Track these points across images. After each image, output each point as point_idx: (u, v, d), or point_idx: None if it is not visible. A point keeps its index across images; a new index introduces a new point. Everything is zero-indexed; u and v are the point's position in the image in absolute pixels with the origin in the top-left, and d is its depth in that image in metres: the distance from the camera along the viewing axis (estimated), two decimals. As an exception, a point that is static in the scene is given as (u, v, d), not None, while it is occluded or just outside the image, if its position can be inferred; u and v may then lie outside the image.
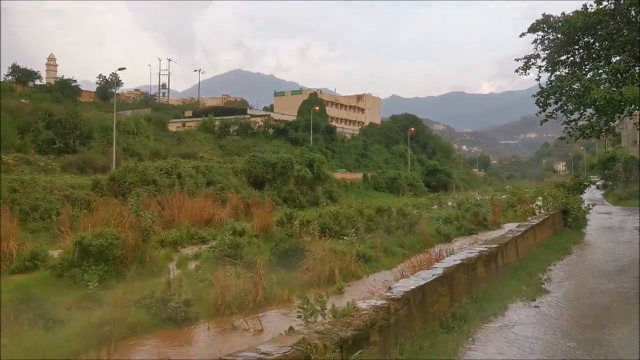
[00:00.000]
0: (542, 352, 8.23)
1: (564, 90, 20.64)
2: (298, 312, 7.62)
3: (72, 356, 8.43)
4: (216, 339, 10.29)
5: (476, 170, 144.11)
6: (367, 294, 14.43)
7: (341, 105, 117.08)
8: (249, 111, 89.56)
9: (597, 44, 21.67)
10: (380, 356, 6.65)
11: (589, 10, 21.40)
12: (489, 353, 8.09)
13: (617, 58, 20.91)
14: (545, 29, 22.69)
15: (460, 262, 9.42)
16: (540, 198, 32.18)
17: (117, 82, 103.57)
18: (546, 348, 8.40)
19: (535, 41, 23.02)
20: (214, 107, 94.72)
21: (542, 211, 19.73)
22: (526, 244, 13.02)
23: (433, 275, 8.53)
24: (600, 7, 20.89)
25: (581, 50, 22.48)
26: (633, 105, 17.93)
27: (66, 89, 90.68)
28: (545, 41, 22.81)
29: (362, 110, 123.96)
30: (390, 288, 8.07)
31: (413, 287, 7.79)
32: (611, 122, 20.60)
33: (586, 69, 22.03)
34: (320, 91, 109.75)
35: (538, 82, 23.61)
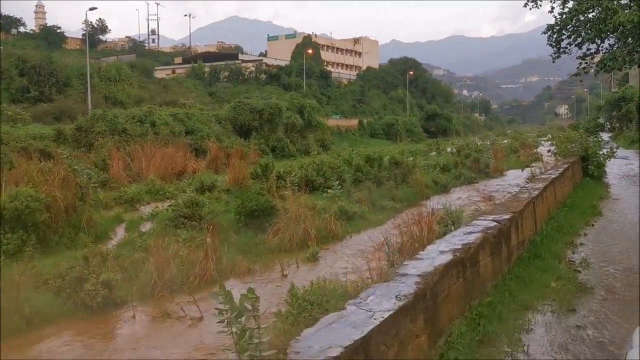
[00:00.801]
0: None
1: (581, 17, 17.78)
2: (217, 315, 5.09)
3: None
4: (138, 332, 7.99)
5: (477, 114, 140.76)
6: (345, 263, 12.24)
7: (337, 49, 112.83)
8: (240, 57, 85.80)
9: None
10: None
11: None
12: None
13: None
14: None
15: (452, 257, 5.51)
16: (549, 142, 29.46)
17: (104, 29, 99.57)
18: None
19: None
20: (205, 53, 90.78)
21: (554, 158, 16.66)
22: (545, 206, 9.53)
23: (395, 302, 4.25)
24: None
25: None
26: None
27: (50, 36, 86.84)
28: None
29: (360, 54, 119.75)
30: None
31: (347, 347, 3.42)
32: (637, 50, 17.86)
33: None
34: (315, 35, 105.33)
35: (552, 13, 20.67)
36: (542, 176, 11.71)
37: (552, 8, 20.57)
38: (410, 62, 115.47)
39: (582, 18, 18.10)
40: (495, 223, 7.29)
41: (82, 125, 27.22)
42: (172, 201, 16.77)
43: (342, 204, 16.70)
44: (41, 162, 21.58)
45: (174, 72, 79.48)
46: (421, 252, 5.80)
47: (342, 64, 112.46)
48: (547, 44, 20.06)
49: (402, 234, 11.72)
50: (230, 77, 72.96)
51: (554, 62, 21.03)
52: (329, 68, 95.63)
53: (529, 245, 8.65)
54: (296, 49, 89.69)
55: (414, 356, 4.29)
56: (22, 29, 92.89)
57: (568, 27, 19.71)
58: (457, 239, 6.45)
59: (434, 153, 40.05)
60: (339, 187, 19.26)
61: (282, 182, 18.61)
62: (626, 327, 5.90)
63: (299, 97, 48.97)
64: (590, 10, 17.80)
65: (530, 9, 20.14)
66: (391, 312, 4.01)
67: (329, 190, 19.24)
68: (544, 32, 20.04)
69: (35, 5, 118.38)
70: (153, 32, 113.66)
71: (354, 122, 64.50)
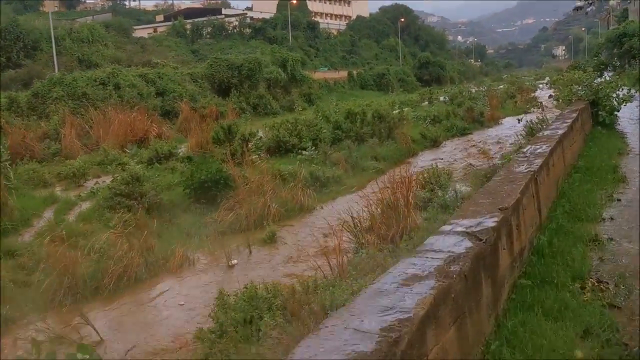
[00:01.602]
0: None
1: None
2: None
3: None
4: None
5: (472, 60, 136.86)
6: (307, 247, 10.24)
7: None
8: (223, 11, 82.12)
9: None
10: None
11: None
12: None
13: None
14: None
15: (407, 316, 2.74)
16: (547, 85, 26.98)
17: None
18: None
19: None
20: (187, 9, 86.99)
21: (556, 104, 14.03)
22: (553, 179, 6.91)
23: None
24: None
25: None
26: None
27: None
28: None
29: (349, 2, 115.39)
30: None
31: None
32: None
33: None
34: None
35: None
36: (545, 132, 8.73)
37: None
38: (401, 8, 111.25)
39: None
40: (469, 243, 3.97)
41: (39, 91, 24.95)
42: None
43: (313, 168, 14.65)
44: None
45: (155, 30, 76.04)
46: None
47: (331, 14, 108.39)
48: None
49: (379, 201, 9.77)
50: (213, 33, 69.75)
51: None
52: (317, 19, 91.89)
53: (530, 256, 5.57)
54: (281, 0, 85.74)
55: None
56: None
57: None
58: (428, 265, 3.50)
59: (425, 103, 37.79)
60: (314, 148, 17.23)
61: (250, 145, 16.54)
62: None
63: (281, 50, 46.22)
64: None
65: None
66: None
67: (303, 152, 17.23)
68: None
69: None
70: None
71: (342, 73, 61.61)
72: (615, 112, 12.95)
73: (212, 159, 13.54)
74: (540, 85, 48.11)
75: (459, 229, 4.27)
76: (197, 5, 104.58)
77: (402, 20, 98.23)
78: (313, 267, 7.30)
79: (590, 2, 18.31)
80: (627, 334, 4.14)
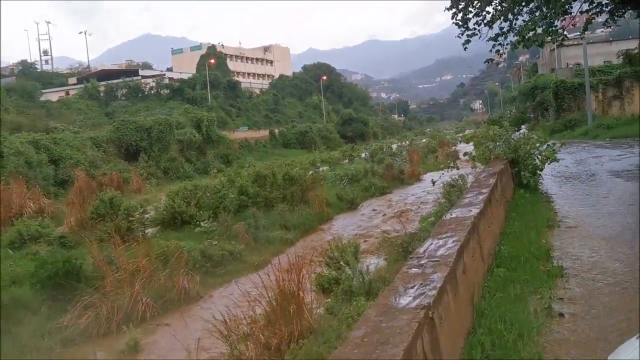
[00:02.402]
0: None
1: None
2: None
3: None
4: None
5: (395, 116, 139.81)
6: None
7: (247, 58, 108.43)
8: (140, 72, 79.75)
9: None
10: None
11: None
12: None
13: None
14: None
15: None
16: (468, 141, 26.25)
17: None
18: None
19: None
20: (101, 72, 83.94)
21: (477, 165, 12.24)
22: (465, 295, 4.40)
23: None
24: None
25: None
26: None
27: None
28: None
29: (271, 62, 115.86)
30: None
31: None
32: (557, 19, 14.80)
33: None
34: (222, 45, 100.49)
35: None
36: (454, 213, 6.11)
37: None
38: (323, 67, 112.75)
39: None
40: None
41: None
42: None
43: (206, 244, 12.54)
44: None
45: (67, 93, 72.59)
46: None
47: (254, 74, 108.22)
48: (453, 22, 16.79)
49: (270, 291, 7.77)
50: (128, 95, 67.12)
51: (465, 48, 17.81)
52: (240, 78, 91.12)
53: None
54: (201, 60, 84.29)
55: None
56: None
57: (475, 2, 16.53)
58: None
59: (346, 160, 36.61)
60: (212, 219, 15.20)
61: (135, 219, 14.27)
62: None
63: (195, 110, 44.32)
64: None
65: None
66: None
67: (201, 224, 15.15)
68: (447, 9, 16.74)
69: None
70: (45, 52, 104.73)
71: (264, 133, 60.13)
72: (539, 172, 11.47)
73: (119, 229, 11.22)
74: (460, 138, 48.29)
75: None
76: (112, 67, 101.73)
77: (325, 78, 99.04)
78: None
79: (501, 53, 17.52)
80: None
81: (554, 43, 17.45)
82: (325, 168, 29.99)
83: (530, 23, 15.06)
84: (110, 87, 67.19)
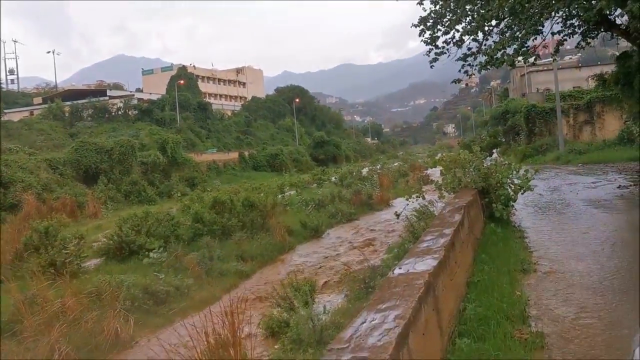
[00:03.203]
0: None
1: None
2: None
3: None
4: None
5: (368, 139, 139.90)
6: None
7: (219, 80, 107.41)
8: (109, 92, 78.10)
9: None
10: None
11: None
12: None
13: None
14: None
15: None
16: (437, 167, 25.46)
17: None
18: None
19: None
20: (66, 92, 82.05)
21: (445, 195, 10.90)
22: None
23: None
24: None
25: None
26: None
27: None
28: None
29: (244, 84, 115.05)
30: None
31: None
32: (528, 39, 14.12)
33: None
34: (194, 66, 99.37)
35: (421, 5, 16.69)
36: (405, 267, 4.68)
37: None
38: (297, 90, 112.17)
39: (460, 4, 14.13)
40: None
41: None
42: None
43: (148, 280, 11.31)
44: None
45: (32, 113, 70.60)
46: None
47: (226, 95, 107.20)
48: (421, 40, 16.03)
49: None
50: (95, 116, 65.40)
51: (432, 66, 17.08)
52: (211, 100, 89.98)
53: None
54: (171, 81, 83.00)
55: None
56: None
57: (444, 20, 15.81)
58: None
59: (315, 185, 35.58)
60: (162, 249, 13.98)
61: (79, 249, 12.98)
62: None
63: (160, 132, 43.00)
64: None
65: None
66: None
67: (150, 255, 13.92)
68: (414, 26, 16.00)
69: None
70: (11, 71, 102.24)
71: (233, 155, 58.85)
72: (511, 203, 10.39)
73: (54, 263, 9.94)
74: (437, 166, 47.48)
75: None
76: (82, 87, 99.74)
77: (298, 100, 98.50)
78: None
79: (470, 74, 16.79)
80: None
81: (525, 63, 16.75)
82: (292, 192, 28.89)
83: (498, 43, 14.37)
84: (76, 107, 65.44)
